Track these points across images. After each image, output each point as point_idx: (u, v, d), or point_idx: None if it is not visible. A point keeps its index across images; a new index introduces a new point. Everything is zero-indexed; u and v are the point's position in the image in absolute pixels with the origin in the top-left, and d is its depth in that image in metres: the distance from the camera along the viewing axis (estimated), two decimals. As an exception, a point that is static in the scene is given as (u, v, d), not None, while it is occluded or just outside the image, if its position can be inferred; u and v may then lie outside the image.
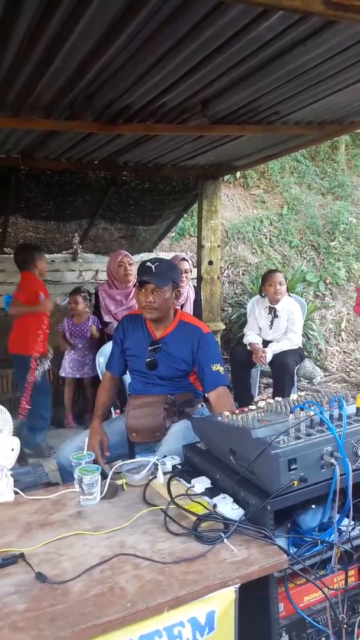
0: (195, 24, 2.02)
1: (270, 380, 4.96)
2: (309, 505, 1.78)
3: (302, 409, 1.77)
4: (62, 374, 4.57)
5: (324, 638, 1.79)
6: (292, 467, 1.61)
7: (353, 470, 1.74)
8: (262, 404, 2.01)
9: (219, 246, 5.28)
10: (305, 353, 5.72)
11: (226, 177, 7.66)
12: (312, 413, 1.75)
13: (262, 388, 5.29)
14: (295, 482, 1.61)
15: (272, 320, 4.42)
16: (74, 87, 2.60)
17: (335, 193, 8.50)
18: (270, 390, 4.91)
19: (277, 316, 4.40)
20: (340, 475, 1.66)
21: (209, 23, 2.00)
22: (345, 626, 1.77)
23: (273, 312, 4.42)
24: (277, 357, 4.28)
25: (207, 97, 2.90)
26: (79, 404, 4.73)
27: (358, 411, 1.85)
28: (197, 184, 5.11)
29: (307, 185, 8.48)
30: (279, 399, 2.05)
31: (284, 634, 1.75)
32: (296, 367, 4.42)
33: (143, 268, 2.51)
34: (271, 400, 2.03)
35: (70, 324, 4.51)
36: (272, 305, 4.41)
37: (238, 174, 7.75)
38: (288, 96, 2.96)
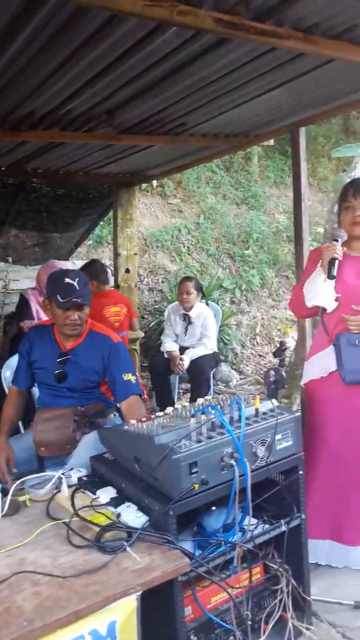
0: (92, 34, 2.02)
1: (189, 386, 5.03)
2: (213, 507, 1.83)
3: (203, 413, 1.81)
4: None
5: (232, 637, 1.84)
6: (193, 471, 1.65)
7: (253, 470, 1.80)
8: (169, 410, 2.04)
9: (135, 254, 5.30)
10: (221, 357, 5.86)
11: (144, 186, 7.72)
12: (212, 416, 1.79)
13: (182, 393, 5.35)
14: (196, 485, 1.65)
15: (186, 326, 4.49)
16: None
17: (249, 203, 8.79)
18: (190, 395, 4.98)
19: (191, 322, 4.47)
20: (240, 476, 1.71)
21: (106, 34, 2.02)
22: (250, 623, 1.82)
23: (187, 318, 4.48)
24: (193, 362, 4.35)
25: (112, 107, 2.92)
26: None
27: (257, 412, 1.91)
28: (112, 192, 5.11)
29: (223, 195, 8.71)
30: (186, 403, 2.09)
31: (192, 637, 1.78)
32: (212, 372, 4.51)
33: (66, 286, 2.39)
34: (178, 406, 2.07)
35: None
36: (185, 312, 4.48)
37: (155, 183, 7.83)
38: (192, 108, 3.04)
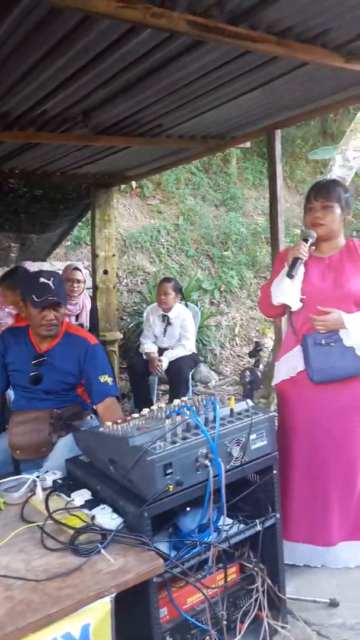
0: (66, 35, 2.01)
1: (168, 387, 5.03)
2: (190, 508, 1.83)
3: (178, 414, 1.81)
4: None
5: (208, 637, 1.84)
6: (167, 472, 1.65)
7: (228, 470, 1.81)
8: (145, 411, 2.04)
9: (114, 255, 5.28)
10: (200, 358, 5.88)
11: (122, 187, 7.70)
12: (187, 417, 1.80)
13: (161, 394, 5.35)
14: (171, 487, 1.65)
15: (165, 328, 4.50)
16: None
17: (228, 205, 8.84)
18: (168, 396, 4.98)
19: (170, 324, 4.48)
20: (215, 476, 1.72)
21: (80, 35, 2.01)
22: (225, 622, 1.83)
23: (166, 320, 4.49)
24: (172, 363, 4.36)
25: (89, 107, 2.90)
26: None
27: (232, 413, 1.93)
28: (90, 193, 5.09)
29: (202, 197, 8.73)
30: (163, 405, 2.09)
31: (168, 638, 1.78)
32: (191, 372, 4.53)
33: (41, 286, 2.39)
34: (154, 407, 2.07)
35: None
36: (164, 314, 4.48)
37: (134, 184, 7.81)
38: (169, 110, 3.04)
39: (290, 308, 2.41)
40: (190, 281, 7.07)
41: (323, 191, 2.35)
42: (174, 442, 1.71)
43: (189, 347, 4.45)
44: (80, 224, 6.43)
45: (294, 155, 10.23)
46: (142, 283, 7.03)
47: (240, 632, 1.91)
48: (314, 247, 2.37)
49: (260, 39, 2.11)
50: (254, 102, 3.03)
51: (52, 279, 2.43)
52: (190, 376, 4.48)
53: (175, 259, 7.71)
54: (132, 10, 1.77)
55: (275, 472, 1.97)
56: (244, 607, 1.96)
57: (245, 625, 1.91)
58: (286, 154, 10.02)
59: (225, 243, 8.24)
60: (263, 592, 1.97)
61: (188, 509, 1.77)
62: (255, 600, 1.96)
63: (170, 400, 4.15)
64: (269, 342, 6.34)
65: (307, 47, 2.27)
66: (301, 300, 2.35)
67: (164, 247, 7.66)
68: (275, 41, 2.15)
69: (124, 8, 1.74)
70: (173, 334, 4.51)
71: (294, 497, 2.46)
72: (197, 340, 5.36)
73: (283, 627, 2.02)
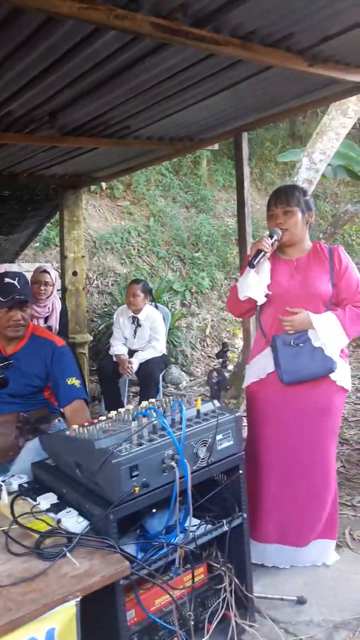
0: (29, 36, 2.00)
1: (139, 388, 5.02)
2: (157, 510, 1.83)
3: (144, 416, 1.81)
4: None
5: (176, 638, 1.85)
6: (133, 474, 1.65)
7: (194, 471, 1.82)
8: (111, 413, 2.03)
9: (83, 257, 5.25)
10: (171, 359, 5.88)
11: (92, 188, 7.66)
12: (154, 419, 1.80)
13: (131, 396, 5.33)
14: (137, 489, 1.65)
15: (135, 329, 4.49)
16: None
17: (198, 206, 8.88)
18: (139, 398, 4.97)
19: (139, 325, 4.47)
20: (181, 478, 1.72)
21: (43, 36, 1.99)
22: (193, 623, 1.84)
23: (136, 321, 4.48)
24: (142, 365, 4.35)
25: (55, 108, 2.88)
26: None
27: (199, 413, 1.94)
28: (58, 194, 5.04)
29: (172, 199, 8.75)
30: (130, 407, 2.09)
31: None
32: (161, 374, 4.53)
33: (6, 285, 2.39)
34: (121, 410, 2.06)
35: None
36: (134, 315, 4.47)
37: (104, 185, 7.78)
38: (136, 111, 3.04)
39: (259, 309, 2.45)
40: (160, 282, 7.07)
41: (282, 197, 2.40)
42: (140, 444, 1.71)
43: (159, 348, 4.45)
44: (49, 225, 6.37)
45: (264, 157, 10.34)
46: (112, 284, 7.00)
47: (208, 632, 1.92)
48: (277, 243, 2.40)
49: (224, 42, 2.12)
50: (220, 105, 3.06)
51: (17, 278, 2.42)
52: (160, 378, 4.48)
53: (146, 260, 7.71)
54: (95, 12, 1.76)
55: (241, 472, 1.99)
56: (211, 607, 1.97)
57: (213, 625, 1.92)
58: (255, 156, 10.13)
59: (196, 244, 8.27)
60: (231, 591, 1.98)
61: (154, 510, 1.76)
62: (223, 599, 1.98)
63: (141, 402, 4.17)
64: (239, 343, 6.39)
65: (271, 51, 2.30)
66: (268, 298, 2.38)
67: (134, 249, 7.64)
68: (239, 44, 2.17)
69: (87, 9, 1.74)
70: (143, 335, 4.50)
71: (264, 498, 2.48)
72: (167, 342, 5.36)
73: (251, 626, 2.04)
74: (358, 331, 2.41)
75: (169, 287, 7.28)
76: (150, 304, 4.60)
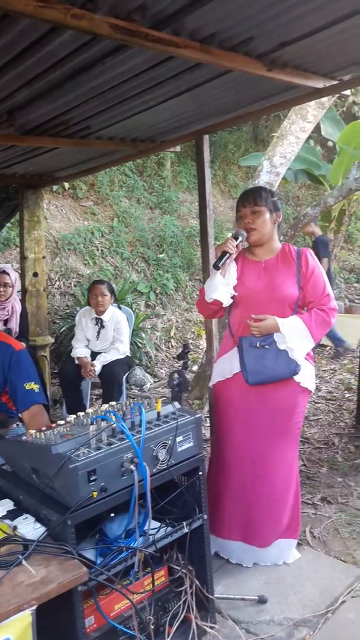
0: (-16, 33, 1.96)
1: (102, 391, 4.97)
2: (116, 514, 1.82)
3: (103, 420, 1.80)
4: None
5: (137, 642, 1.83)
6: (91, 479, 1.63)
7: (154, 474, 1.81)
8: (70, 418, 2.01)
9: (44, 257, 5.17)
10: (135, 361, 5.86)
11: (55, 188, 7.56)
12: (112, 423, 1.78)
13: (94, 399, 5.28)
14: (95, 493, 1.63)
15: (98, 331, 4.44)
16: None
17: (163, 208, 8.87)
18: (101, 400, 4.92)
19: (103, 327, 4.43)
20: (140, 481, 1.71)
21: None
22: (153, 627, 1.83)
23: (99, 323, 4.44)
24: (105, 367, 4.30)
25: (13, 107, 2.83)
26: None
27: (159, 416, 1.93)
28: (18, 193, 4.96)
29: (136, 199, 8.72)
30: (90, 410, 2.06)
31: (95, 646, 1.76)
32: (124, 376, 4.49)
33: None
34: (80, 414, 2.04)
35: None
36: (98, 317, 4.43)
37: (67, 185, 7.69)
38: (97, 112, 3.02)
39: (228, 310, 2.47)
40: (125, 283, 7.04)
41: (250, 197, 2.43)
42: (98, 448, 1.69)
43: (122, 350, 4.42)
44: (9, 225, 6.25)
45: (227, 160, 10.43)
46: (75, 286, 6.92)
47: (169, 636, 1.92)
48: (242, 243, 2.42)
49: (184, 45, 2.13)
50: (181, 107, 3.06)
51: None
52: (124, 380, 4.44)
53: (110, 261, 7.65)
54: (51, 10, 1.74)
55: (201, 473, 1.99)
56: (172, 610, 1.96)
57: (174, 628, 1.92)
58: (219, 158, 10.21)
59: (161, 245, 8.26)
60: (191, 593, 1.99)
61: (112, 514, 1.75)
62: (184, 602, 1.98)
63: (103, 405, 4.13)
64: (204, 344, 6.41)
65: (230, 55, 2.32)
66: (236, 299, 2.40)
67: (98, 249, 7.58)
68: (198, 47, 2.18)
69: (42, 7, 1.72)
70: (106, 337, 4.45)
71: (228, 497, 2.50)
72: (131, 343, 5.33)
73: (212, 628, 2.04)
74: (323, 335, 2.46)
75: (133, 288, 7.25)
76: (114, 305, 4.57)
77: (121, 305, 4.98)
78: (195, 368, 5.80)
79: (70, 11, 1.77)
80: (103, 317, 4.42)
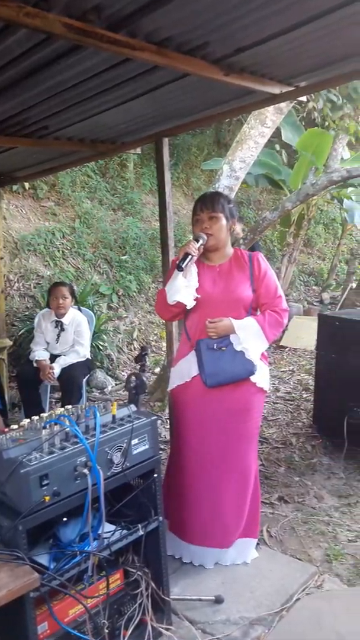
0: None
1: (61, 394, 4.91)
2: (70, 518, 1.80)
3: (56, 424, 1.78)
4: None
5: (91, 648, 1.82)
6: (43, 483, 1.61)
7: (109, 477, 1.81)
8: (24, 422, 1.98)
9: (2, 258, 5.08)
10: (97, 363, 5.81)
11: (14, 188, 7.43)
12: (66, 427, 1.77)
13: (54, 403, 5.21)
14: (47, 498, 1.61)
15: (58, 334, 4.39)
16: None
17: (126, 209, 8.84)
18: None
19: (64, 329, 4.37)
20: (94, 485, 1.70)
21: None
22: (107, 631, 1.82)
23: (60, 325, 4.38)
24: (65, 370, 4.25)
25: (-33, 105, 2.77)
26: None
27: (114, 419, 1.92)
28: (-24, 194, 4.86)
29: (99, 201, 8.65)
30: (44, 415, 2.03)
31: (48, 653, 1.73)
32: (85, 379, 4.45)
33: None
34: (35, 417, 2.01)
35: None
36: (58, 319, 4.37)
37: (27, 185, 7.57)
38: (54, 112, 2.98)
39: (185, 315, 2.48)
40: (86, 285, 6.98)
41: (208, 203, 2.46)
42: (51, 453, 1.68)
43: (82, 353, 4.37)
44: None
45: (190, 163, 10.47)
46: (35, 287, 6.81)
47: (124, 638, 1.91)
48: (202, 247, 2.44)
49: (140, 47, 2.13)
50: (140, 109, 3.06)
51: None
52: (84, 383, 4.40)
53: (72, 263, 7.57)
54: (3, 8, 1.71)
55: (156, 475, 1.99)
56: (128, 613, 1.96)
57: (129, 631, 1.92)
58: (182, 161, 10.24)
59: (123, 247, 8.23)
60: (147, 595, 1.99)
61: (65, 519, 1.73)
62: (140, 604, 1.97)
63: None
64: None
65: (187, 59, 2.33)
66: (195, 300, 2.41)
67: (59, 250, 7.48)
68: (155, 50, 2.18)
69: (-6, 4, 1.69)
70: (67, 339, 4.40)
71: (187, 499, 2.51)
72: (93, 346, 5.28)
73: (167, 629, 2.05)
74: (277, 335, 2.51)
75: (95, 290, 7.19)
76: (74, 307, 4.52)
77: (82, 307, 4.93)
78: (157, 370, 5.80)
79: (23, 9, 1.74)
80: (63, 319, 4.37)
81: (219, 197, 2.53)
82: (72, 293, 4.45)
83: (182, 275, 2.39)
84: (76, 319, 4.41)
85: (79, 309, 4.65)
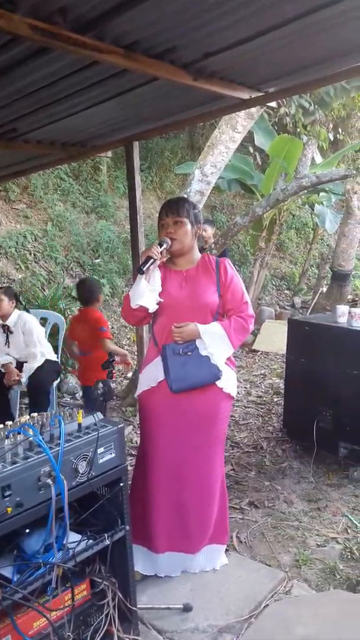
0: None
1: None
2: (35, 528, 1.76)
3: (19, 433, 1.74)
4: None
5: (56, 661, 1.78)
6: (6, 494, 1.57)
7: (74, 487, 1.77)
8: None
9: (-29, 262, 4.98)
10: (68, 368, 5.74)
11: (-15, 190, 7.33)
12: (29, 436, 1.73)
13: (24, 409, 5.12)
14: (10, 509, 1.57)
15: (7, 337, 4.28)
16: None
17: (99, 212, 8.78)
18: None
19: (11, 332, 4.25)
20: (58, 495, 1.67)
21: None
22: (72, 644, 1.78)
23: (5, 329, 4.27)
24: (32, 376, 4.17)
25: None
26: None
27: (80, 427, 1.89)
28: None
29: (72, 204, 8.58)
30: (9, 423, 1.99)
31: (11, 668, 1.69)
32: (54, 384, 4.38)
33: None
34: (0, 426, 1.96)
35: None
36: (3, 323, 4.26)
37: (-2, 186, 7.47)
38: (22, 114, 2.95)
39: (153, 320, 2.46)
40: (57, 288, 6.90)
41: (173, 208, 2.46)
42: (14, 463, 1.64)
43: (38, 352, 4.21)
44: None
45: (164, 166, 10.47)
46: (6, 291, 6.71)
47: (91, 650, 1.88)
48: (166, 251, 2.43)
49: (107, 50, 2.11)
50: (110, 113, 3.04)
51: None
52: (53, 388, 4.33)
53: (43, 266, 7.48)
54: (-35, 8, 1.68)
55: (122, 484, 1.96)
56: (94, 624, 1.92)
57: (96, 643, 1.88)
58: (156, 165, 10.24)
59: (96, 251, 8.17)
60: (114, 606, 1.96)
61: (27, 530, 1.69)
62: (106, 615, 1.94)
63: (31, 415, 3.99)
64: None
65: (155, 63, 2.32)
66: (159, 307, 2.40)
67: (30, 253, 7.39)
68: (122, 54, 2.17)
69: None
70: (17, 341, 4.25)
71: (155, 506, 2.48)
72: (64, 350, 5.20)
73: (134, 639, 2.02)
74: (242, 340, 2.51)
75: (68, 294, 7.12)
76: (20, 309, 4.38)
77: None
78: (130, 375, 5.76)
79: (-14, 10, 1.72)
80: (8, 322, 4.25)
81: (184, 202, 2.52)
82: (12, 295, 4.30)
83: (144, 279, 2.37)
84: (21, 320, 4.23)
85: (27, 310, 4.55)
